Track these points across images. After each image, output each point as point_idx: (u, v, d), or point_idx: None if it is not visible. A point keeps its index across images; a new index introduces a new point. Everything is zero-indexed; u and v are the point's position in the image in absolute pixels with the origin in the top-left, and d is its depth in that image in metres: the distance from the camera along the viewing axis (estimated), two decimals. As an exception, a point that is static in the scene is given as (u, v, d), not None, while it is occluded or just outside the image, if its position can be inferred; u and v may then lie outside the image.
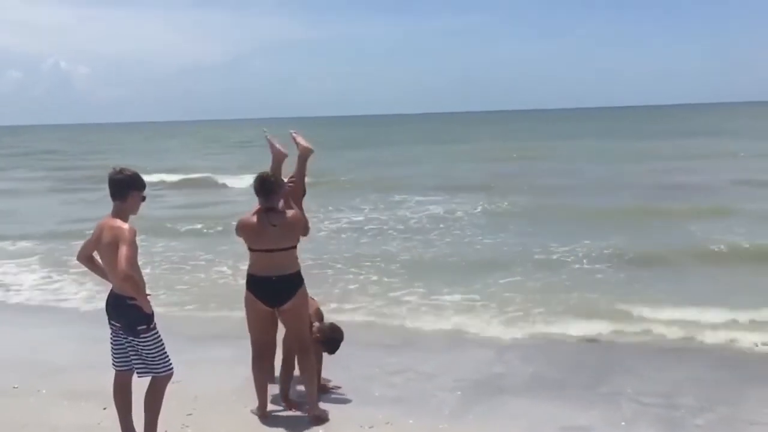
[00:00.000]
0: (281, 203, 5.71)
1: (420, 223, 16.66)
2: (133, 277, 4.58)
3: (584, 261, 11.81)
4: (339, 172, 27.56)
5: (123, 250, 4.56)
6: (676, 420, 5.75)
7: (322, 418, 5.69)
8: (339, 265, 11.88)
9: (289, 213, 5.63)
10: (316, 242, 12.59)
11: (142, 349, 4.85)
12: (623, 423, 5.70)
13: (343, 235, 15.27)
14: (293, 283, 5.61)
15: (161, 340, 4.90)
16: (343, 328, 6.17)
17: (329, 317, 6.62)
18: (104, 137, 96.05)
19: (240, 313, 5.93)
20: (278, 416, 5.82)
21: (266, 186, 5.59)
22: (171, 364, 4.95)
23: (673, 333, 7.97)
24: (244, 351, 6.01)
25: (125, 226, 4.70)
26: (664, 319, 8.42)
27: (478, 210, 18.06)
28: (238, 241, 5.80)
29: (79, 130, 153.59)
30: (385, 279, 11.08)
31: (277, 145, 6.20)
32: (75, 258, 5.24)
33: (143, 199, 4.97)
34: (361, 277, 11.24)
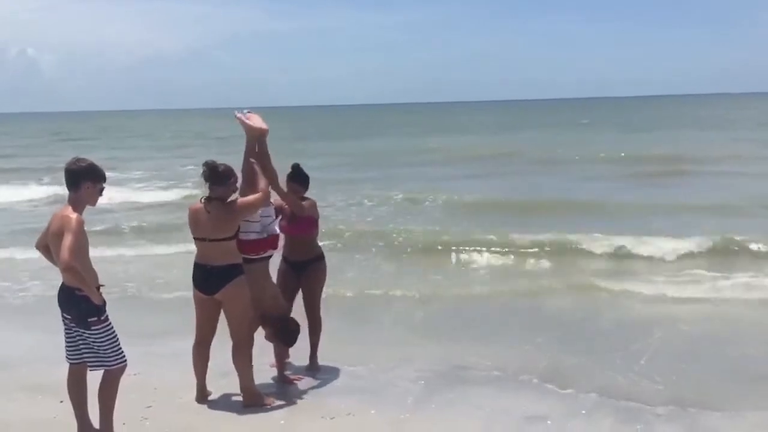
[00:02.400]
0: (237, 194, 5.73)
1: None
2: (75, 268, 4.48)
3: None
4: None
5: (67, 240, 4.48)
6: (636, 409, 5.80)
7: (253, 404, 5.74)
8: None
9: (230, 205, 5.56)
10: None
11: (93, 342, 4.76)
12: (583, 412, 5.74)
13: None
14: (224, 274, 5.58)
15: (114, 332, 4.81)
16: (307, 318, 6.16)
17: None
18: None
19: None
20: (235, 405, 5.79)
21: (208, 175, 5.60)
22: (124, 356, 4.87)
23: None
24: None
25: (73, 215, 4.60)
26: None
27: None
28: None
29: (33, 118, 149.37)
30: (347, 268, 11.07)
31: (248, 122, 6.04)
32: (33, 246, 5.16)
33: (101, 190, 4.87)
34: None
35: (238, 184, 5.76)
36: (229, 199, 5.61)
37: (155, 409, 5.69)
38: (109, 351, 4.81)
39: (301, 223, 6.35)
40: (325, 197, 17.00)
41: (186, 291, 6.21)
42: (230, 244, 5.58)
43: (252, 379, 5.82)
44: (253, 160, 5.85)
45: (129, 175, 26.27)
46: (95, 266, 4.85)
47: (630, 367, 6.77)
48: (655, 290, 9.46)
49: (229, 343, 5.84)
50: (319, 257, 6.58)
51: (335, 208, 16.90)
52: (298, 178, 6.49)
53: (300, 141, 42.67)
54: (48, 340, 7.06)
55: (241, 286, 5.63)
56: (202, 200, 5.62)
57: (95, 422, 4.99)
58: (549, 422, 5.53)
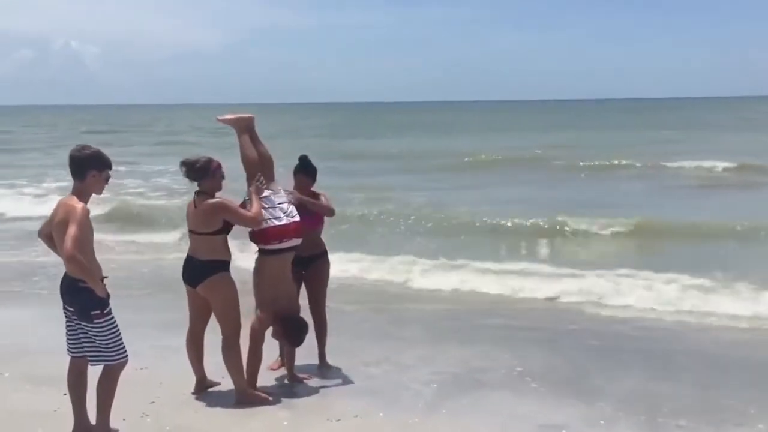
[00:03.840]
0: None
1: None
2: (79, 258, 4.37)
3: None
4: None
5: (71, 230, 4.37)
6: (658, 419, 5.51)
7: (243, 403, 5.62)
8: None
9: (210, 200, 5.50)
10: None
11: (94, 336, 4.65)
12: (602, 422, 5.46)
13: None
14: (203, 269, 5.54)
15: (116, 326, 4.70)
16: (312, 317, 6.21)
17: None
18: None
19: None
20: (232, 402, 5.66)
21: (186, 171, 5.58)
22: (125, 352, 4.75)
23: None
24: (217, 338, 5.84)
25: (78, 205, 4.50)
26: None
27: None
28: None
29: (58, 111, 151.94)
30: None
31: (229, 116, 6.03)
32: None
33: (107, 178, 4.74)
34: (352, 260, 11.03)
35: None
36: (218, 193, 5.57)
37: (157, 405, 5.56)
38: (111, 345, 4.69)
39: (312, 217, 6.20)
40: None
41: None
42: (215, 239, 5.51)
43: (243, 376, 5.68)
44: (251, 189, 5.73)
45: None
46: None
47: (653, 376, 6.48)
48: (687, 302, 8.99)
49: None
50: (324, 252, 6.46)
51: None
52: (306, 170, 6.35)
53: (332, 138, 42.67)
54: (63, 332, 7.01)
55: (222, 282, 5.55)
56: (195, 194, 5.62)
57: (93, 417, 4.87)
58: (565, 432, 5.28)
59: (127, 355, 4.77)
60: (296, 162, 6.41)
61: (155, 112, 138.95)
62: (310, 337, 6.14)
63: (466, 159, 28.63)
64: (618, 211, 15.07)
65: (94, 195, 4.76)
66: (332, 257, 6.64)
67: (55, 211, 4.68)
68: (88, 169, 4.62)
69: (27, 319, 8.28)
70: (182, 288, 5.82)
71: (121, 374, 5.80)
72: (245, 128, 5.95)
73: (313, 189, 6.37)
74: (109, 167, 4.75)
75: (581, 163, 25.36)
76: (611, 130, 48.89)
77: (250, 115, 6.06)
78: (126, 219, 16.04)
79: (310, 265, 6.35)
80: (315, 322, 6.42)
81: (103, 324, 4.63)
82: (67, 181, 5.48)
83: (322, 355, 6.56)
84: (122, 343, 4.74)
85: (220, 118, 6.08)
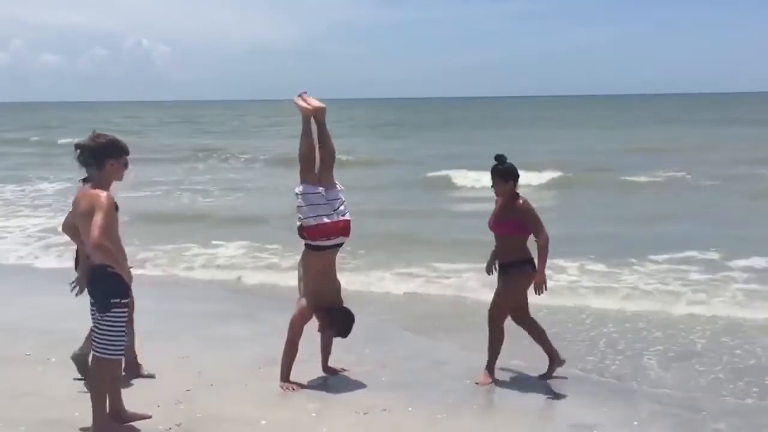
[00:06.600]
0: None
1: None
2: (105, 245, 4.46)
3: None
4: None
5: (97, 218, 4.46)
6: (695, 422, 5.37)
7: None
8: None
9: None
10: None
11: (102, 324, 4.69)
12: (636, 423, 5.34)
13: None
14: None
15: (123, 323, 4.76)
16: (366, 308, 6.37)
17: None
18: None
19: (264, 293, 5.82)
20: (271, 395, 5.73)
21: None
22: (121, 350, 4.81)
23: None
24: (262, 329, 5.95)
25: (102, 194, 4.58)
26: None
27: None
28: None
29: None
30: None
31: (301, 103, 6.00)
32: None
33: (126, 164, 4.82)
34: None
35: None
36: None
37: (193, 393, 5.65)
38: (111, 339, 4.69)
39: (509, 222, 5.94)
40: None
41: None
42: None
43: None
44: None
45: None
46: None
47: (693, 376, 6.34)
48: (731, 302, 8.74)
49: (281, 333, 5.91)
50: (524, 261, 5.96)
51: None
52: (495, 169, 5.92)
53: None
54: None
55: None
56: None
57: (132, 406, 5.06)
58: (596, 432, 5.18)
59: (121, 356, 4.84)
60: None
61: (220, 108, 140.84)
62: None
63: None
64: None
65: (115, 182, 4.80)
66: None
67: (77, 202, 4.74)
68: (106, 157, 4.68)
69: (78, 306, 8.55)
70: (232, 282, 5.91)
71: (164, 361, 6.00)
72: (310, 118, 5.92)
73: (517, 192, 5.95)
74: (127, 153, 4.80)
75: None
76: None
77: (322, 105, 5.99)
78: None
79: (509, 272, 6.02)
80: (527, 331, 6.26)
81: (114, 315, 4.67)
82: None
83: (550, 358, 6.26)
84: (121, 342, 4.77)
85: (297, 101, 5.98)
